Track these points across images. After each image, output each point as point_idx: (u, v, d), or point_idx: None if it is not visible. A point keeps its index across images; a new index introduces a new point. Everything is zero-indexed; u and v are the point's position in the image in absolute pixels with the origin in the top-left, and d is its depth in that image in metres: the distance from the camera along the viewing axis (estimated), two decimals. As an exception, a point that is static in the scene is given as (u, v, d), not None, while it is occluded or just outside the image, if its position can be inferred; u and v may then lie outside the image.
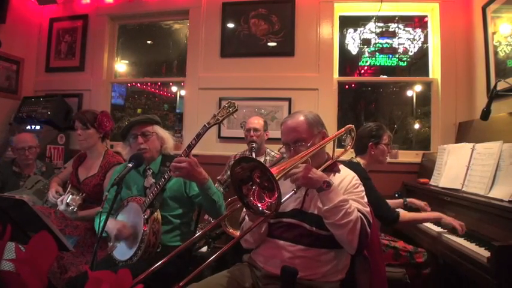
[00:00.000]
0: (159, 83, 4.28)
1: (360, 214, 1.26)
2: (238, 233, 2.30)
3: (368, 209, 1.35)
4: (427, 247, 2.00)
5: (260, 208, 1.15)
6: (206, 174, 1.57)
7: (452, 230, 1.84)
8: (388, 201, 2.35)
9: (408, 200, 2.35)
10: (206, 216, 2.46)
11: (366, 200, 1.38)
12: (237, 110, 1.53)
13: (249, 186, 1.17)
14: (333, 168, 1.45)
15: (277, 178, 1.08)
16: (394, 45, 3.28)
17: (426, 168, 2.76)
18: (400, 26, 3.23)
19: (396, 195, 2.76)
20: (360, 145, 2.09)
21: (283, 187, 1.12)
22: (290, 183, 1.25)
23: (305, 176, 1.22)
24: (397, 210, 1.95)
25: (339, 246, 1.29)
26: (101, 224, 1.33)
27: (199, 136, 1.53)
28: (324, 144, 1.40)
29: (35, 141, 2.67)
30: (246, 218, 1.40)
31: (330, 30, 3.24)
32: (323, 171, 1.35)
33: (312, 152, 1.30)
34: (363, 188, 1.42)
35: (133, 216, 1.66)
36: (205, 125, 1.53)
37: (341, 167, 1.49)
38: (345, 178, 1.42)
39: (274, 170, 1.10)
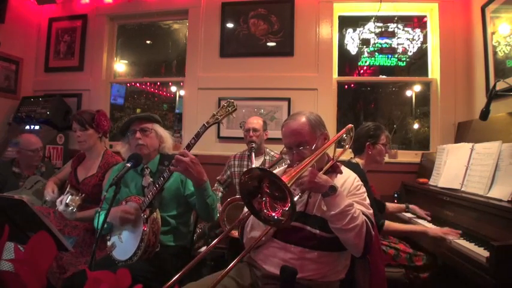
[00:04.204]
0: (158, 83, 4.28)
1: (364, 217, 1.26)
2: (237, 233, 2.30)
3: (371, 211, 1.35)
4: (426, 247, 2.00)
5: (275, 217, 1.13)
6: (205, 176, 1.56)
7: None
8: (389, 204, 2.35)
9: (411, 206, 2.32)
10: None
11: (368, 201, 1.38)
12: (236, 109, 1.53)
13: (258, 199, 1.14)
14: (335, 170, 1.44)
15: (289, 186, 1.06)
16: (393, 45, 3.28)
17: (425, 168, 2.76)
18: (400, 26, 3.23)
19: (395, 195, 2.76)
20: (358, 145, 2.08)
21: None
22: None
23: (311, 181, 1.21)
24: (383, 220, 1.90)
25: (342, 248, 1.29)
26: (101, 221, 1.33)
27: (198, 135, 1.53)
28: (327, 147, 1.40)
29: (41, 142, 2.70)
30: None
31: (329, 30, 3.24)
32: (325, 172, 1.34)
33: (318, 156, 1.28)
34: (364, 189, 1.42)
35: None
36: (204, 125, 1.53)
37: (342, 167, 1.48)
38: (347, 179, 1.42)
39: (285, 179, 1.06)
